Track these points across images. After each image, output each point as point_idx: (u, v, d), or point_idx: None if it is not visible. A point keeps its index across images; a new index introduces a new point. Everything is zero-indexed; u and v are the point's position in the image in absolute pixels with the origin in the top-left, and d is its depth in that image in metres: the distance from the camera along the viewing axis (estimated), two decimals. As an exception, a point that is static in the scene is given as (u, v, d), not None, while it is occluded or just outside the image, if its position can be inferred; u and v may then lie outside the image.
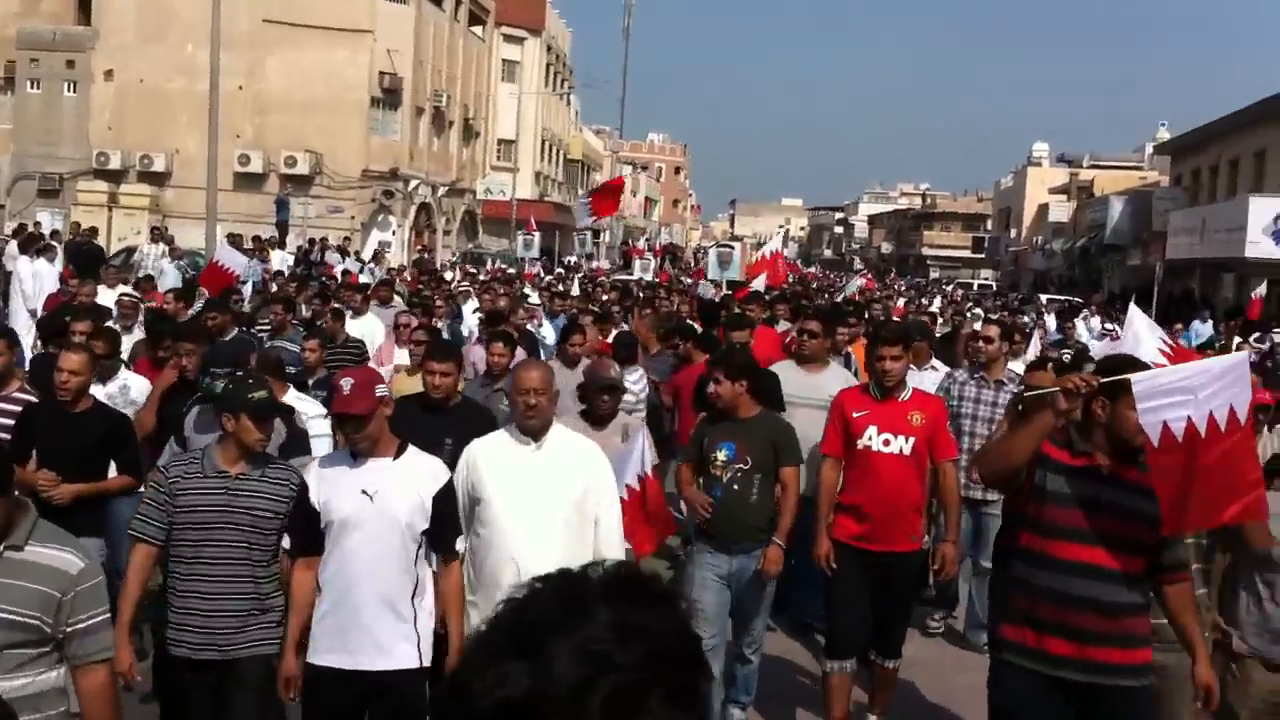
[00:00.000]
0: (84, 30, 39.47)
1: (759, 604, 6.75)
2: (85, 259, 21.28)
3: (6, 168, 39.28)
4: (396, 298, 15.91)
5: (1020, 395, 7.21)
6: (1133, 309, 8.14)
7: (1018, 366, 10.19)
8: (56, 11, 40.70)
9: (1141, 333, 11.98)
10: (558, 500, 5.27)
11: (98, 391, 7.25)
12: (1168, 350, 11.85)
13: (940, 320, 20.25)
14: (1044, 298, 44.80)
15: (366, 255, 33.92)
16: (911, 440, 6.50)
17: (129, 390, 8.12)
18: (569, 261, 42.93)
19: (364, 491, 4.87)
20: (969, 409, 8.66)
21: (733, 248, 26.58)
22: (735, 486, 6.51)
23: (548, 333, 15.01)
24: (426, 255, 36.81)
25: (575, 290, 23.61)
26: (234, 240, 23.32)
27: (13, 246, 20.07)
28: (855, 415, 6.57)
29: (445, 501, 5.07)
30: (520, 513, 5.23)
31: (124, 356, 8.92)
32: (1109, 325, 22.93)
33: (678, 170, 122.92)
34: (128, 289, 14.32)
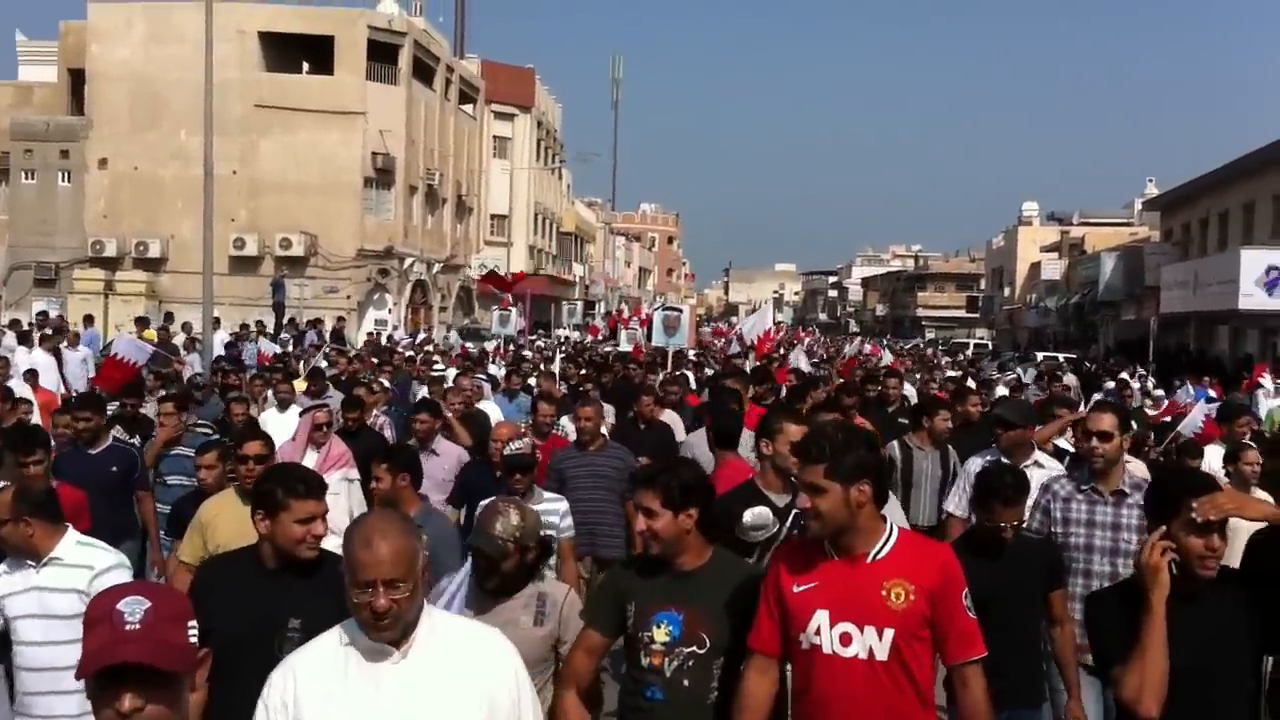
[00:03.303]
0: (77, 120, 39.82)
1: None
2: None
3: (2, 258, 39.51)
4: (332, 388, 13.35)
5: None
6: None
7: (1139, 467, 7.49)
8: (49, 102, 41.16)
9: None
10: None
11: None
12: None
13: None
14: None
15: (360, 336, 33.88)
16: (889, 634, 3.76)
17: None
18: (537, 337, 41.32)
19: None
20: (1081, 536, 6.00)
21: (680, 311, 22.27)
22: (686, 683, 4.09)
23: (494, 410, 12.75)
24: (372, 335, 33.85)
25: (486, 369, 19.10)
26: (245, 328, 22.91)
27: (10, 338, 20.00)
28: (796, 589, 3.88)
29: None
30: None
31: None
32: (1158, 390, 21.65)
33: (670, 239, 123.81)
34: None
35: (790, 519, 5.41)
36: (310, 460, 8.20)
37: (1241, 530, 4.42)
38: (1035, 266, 70.66)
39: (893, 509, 5.69)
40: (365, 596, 3.10)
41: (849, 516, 3.78)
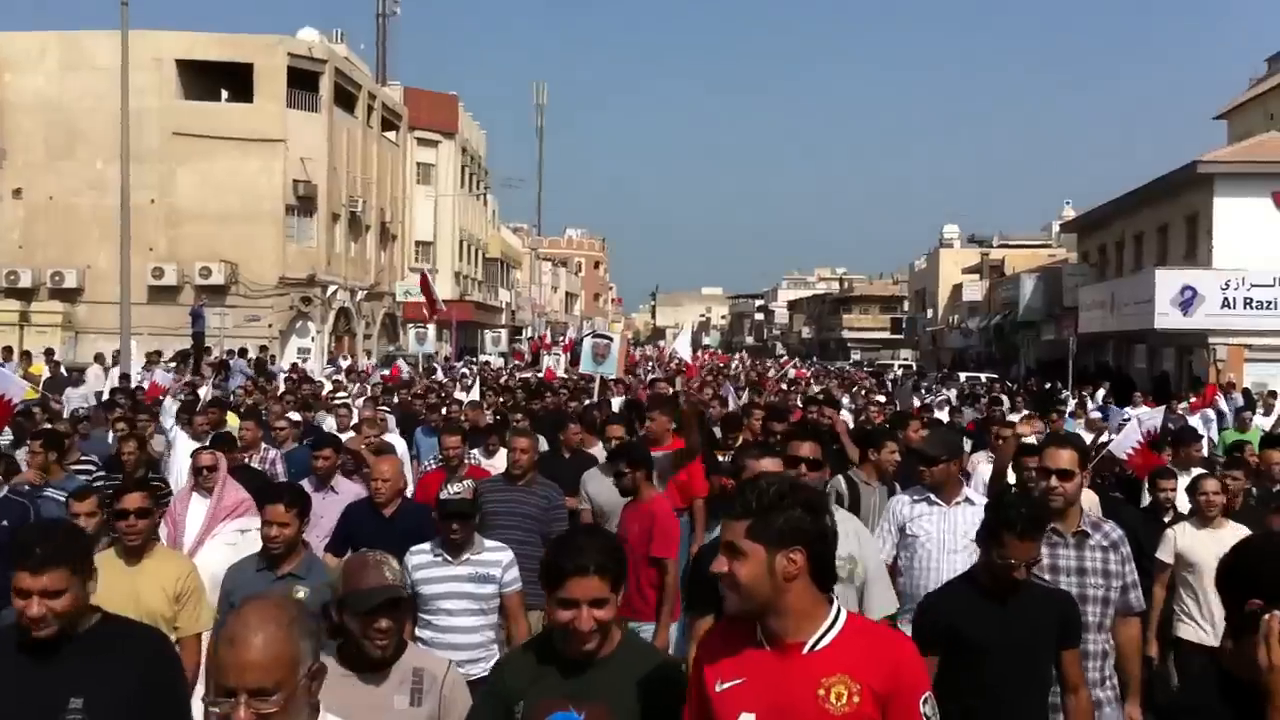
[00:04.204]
0: (-10, 149, 39.10)
1: None
2: None
3: (-87, 290, 38.58)
4: (233, 418, 12.37)
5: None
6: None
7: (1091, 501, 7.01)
8: (-38, 132, 40.37)
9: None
10: None
11: None
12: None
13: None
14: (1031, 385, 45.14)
15: (285, 364, 33.42)
16: None
17: None
18: (455, 362, 40.34)
19: None
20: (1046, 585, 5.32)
21: (610, 339, 21.33)
22: None
23: (398, 443, 11.94)
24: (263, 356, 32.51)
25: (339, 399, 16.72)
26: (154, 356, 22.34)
27: None
28: (719, 686, 3.12)
29: None
30: None
31: None
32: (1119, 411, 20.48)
33: (597, 264, 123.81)
34: None
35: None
36: (199, 509, 7.32)
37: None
38: (957, 288, 71.61)
39: (884, 593, 5.41)
40: (224, 708, 2.49)
41: (772, 591, 3.01)
